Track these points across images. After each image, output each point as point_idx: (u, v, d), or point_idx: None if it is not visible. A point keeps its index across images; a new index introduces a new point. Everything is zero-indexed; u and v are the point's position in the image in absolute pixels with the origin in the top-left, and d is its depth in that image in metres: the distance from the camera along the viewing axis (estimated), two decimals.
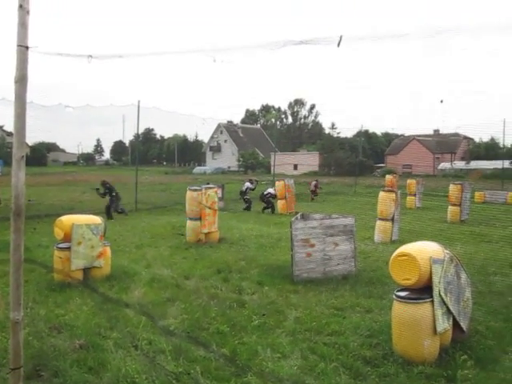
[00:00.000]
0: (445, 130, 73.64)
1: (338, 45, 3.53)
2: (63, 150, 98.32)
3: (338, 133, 79.61)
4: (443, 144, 74.00)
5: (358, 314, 6.67)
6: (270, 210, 21.29)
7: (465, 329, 5.58)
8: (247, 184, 22.80)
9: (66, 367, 4.75)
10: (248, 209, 21.93)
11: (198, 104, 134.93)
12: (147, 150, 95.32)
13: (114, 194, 17.87)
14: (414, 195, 25.33)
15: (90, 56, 3.89)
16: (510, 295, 7.67)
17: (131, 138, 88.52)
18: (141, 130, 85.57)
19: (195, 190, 12.86)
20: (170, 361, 4.96)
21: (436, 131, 78.00)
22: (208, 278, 8.57)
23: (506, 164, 50.65)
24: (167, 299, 7.23)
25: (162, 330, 5.77)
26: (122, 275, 8.60)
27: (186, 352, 5.15)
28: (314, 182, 30.69)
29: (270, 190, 21.76)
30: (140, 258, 10.30)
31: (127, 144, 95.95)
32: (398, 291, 5.36)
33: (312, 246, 8.74)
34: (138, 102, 22.79)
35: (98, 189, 18.05)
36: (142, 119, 23.98)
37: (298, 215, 9.98)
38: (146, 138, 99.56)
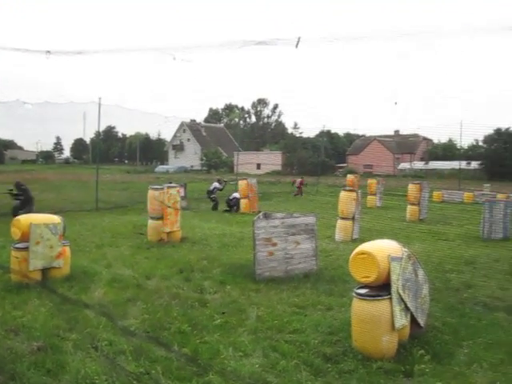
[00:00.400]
0: (405, 131, 75.31)
1: (296, 46, 3.58)
2: (21, 148, 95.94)
3: (301, 133, 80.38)
4: (403, 145, 75.58)
5: (318, 311, 6.76)
6: (232, 210, 21.33)
7: (422, 324, 5.73)
8: (215, 184, 22.76)
9: (24, 370, 4.66)
10: (215, 208, 21.90)
11: (161, 102, 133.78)
12: (108, 149, 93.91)
13: (29, 197, 16.16)
14: (375, 195, 25.85)
15: (49, 52, 3.82)
16: (465, 291, 7.92)
17: (92, 135, 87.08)
18: (102, 128, 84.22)
19: (157, 189, 12.75)
20: (131, 361, 4.91)
21: (396, 132, 79.61)
22: (170, 278, 8.51)
23: (463, 164, 52.13)
24: (128, 299, 7.15)
25: (122, 330, 5.71)
26: (82, 275, 8.46)
27: (146, 352, 5.11)
28: (299, 180, 32.45)
29: (236, 195, 21.80)
30: (100, 258, 10.14)
31: (88, 142, 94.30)
32: (358, 289, 5.46)
33: (274, 244, 8.79)
34: (99, 99, 22.36)
35: (11, 190, 16.53)
36: (104, 117, 23.61)
37: (261, 214, 10.01)
38: (108, 136, 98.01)
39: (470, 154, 60.05)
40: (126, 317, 6.38)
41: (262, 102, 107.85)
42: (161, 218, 12.41)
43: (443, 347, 5.45)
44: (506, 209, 14.73)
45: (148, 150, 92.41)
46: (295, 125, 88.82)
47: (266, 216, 9.80)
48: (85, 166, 61.54)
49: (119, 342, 5.38)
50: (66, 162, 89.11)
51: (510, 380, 4.72)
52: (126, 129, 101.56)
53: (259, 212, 13.12)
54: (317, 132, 72.70)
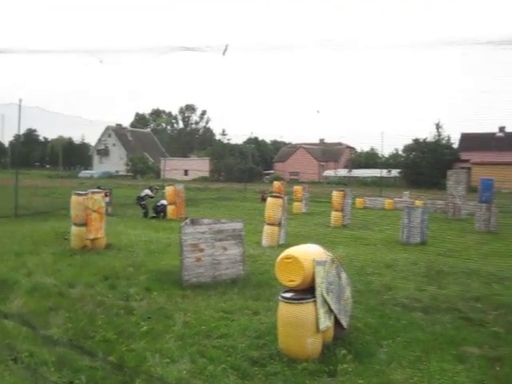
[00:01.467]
0: (329, 139, 77.65)
1: (224, 53, 3.64)
2: None
3: (229, 139, 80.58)
4: (328, 152, 77.78)
5: (246, 316, 6.82)
6: (159, 216, 21.11)
7: (345, 326, 5.93)
8: (146, 191, 22.34)
9: None
10: (146, 215, 21.49)
11: (86, 106, 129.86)
12: (29, 152, 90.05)
13: None
14: (301, 201, 26.40)
15: None
16: (385, 293, 8.27)
17: (11, 138, 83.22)
18: (22, 131, 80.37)
19: (81, 195, 12.39)
20: (54, 372, 4.76)
21: (321, 140, 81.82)
22: (94, 286, 8.28)
23: (384, 173, 54.46)
24: (50, 308, 6.90)
25: (44, 339, 5.52)
26: (0, 285, 8.08)
27: (70, 362, 4.97)
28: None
29: (163, 202, 21.59)
30: (20, 266, 9.69)
31: (7, 145, 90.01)
32: (284, 292, 5.58)
33: (201, 250, 8.79)
34: (20, 100, 21.48)
35: None
36: (24, 119, 22.56)
37: (188, 220, 9.98)
38: (28, 140, 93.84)
39: (391, 162, 62.80)
40: (48, 326, 6.14)
41: (189, 108, 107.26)
42: (85, 224, 12.05)
43: (365, 347, 5.68)
44: (423, 215, 15.55)
45: (71, 155, 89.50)
46: (223, 131, 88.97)
47: (193, 222, 9.79)
48: (3, 171, 58.58)
49: (41, 352, 5.19)
50: None
51: (426, 375, 4.99)
52: (48, 132, 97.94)
53: (186, 218, 13.07)
54: (244, 139, 73.47)
